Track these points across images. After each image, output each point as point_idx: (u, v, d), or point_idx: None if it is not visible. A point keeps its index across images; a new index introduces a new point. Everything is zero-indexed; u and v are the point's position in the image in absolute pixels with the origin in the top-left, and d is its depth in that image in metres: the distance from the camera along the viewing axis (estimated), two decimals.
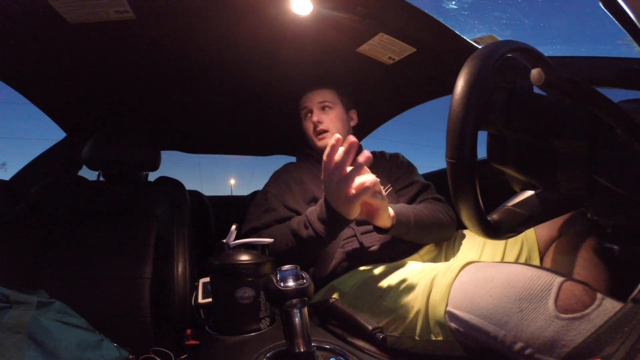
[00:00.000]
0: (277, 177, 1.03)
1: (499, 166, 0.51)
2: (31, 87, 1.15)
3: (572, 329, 0.44)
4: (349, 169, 0.64)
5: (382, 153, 1.15)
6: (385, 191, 1.02)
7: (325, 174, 0.67)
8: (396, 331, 0.65)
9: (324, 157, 0.66)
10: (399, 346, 0.65)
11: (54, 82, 1.14)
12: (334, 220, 0.71)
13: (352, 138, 0.62)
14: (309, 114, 1.02)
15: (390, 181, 1.04)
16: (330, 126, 1.00)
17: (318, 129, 0.99)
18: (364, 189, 0.64)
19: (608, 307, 0.44)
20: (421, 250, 0.90)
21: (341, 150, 0.63)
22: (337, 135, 0.64)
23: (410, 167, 1.08)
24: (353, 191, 0.65)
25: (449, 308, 0.57)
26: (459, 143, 0.41)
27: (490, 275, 0.54)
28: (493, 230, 0.46)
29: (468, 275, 0.57)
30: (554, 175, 0.49)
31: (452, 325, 0.57)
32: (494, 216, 0.48)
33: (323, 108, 1.01)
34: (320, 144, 1.00)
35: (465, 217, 0.44)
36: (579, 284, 0.47)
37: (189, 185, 1.25)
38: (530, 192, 0.50)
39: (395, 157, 1.12)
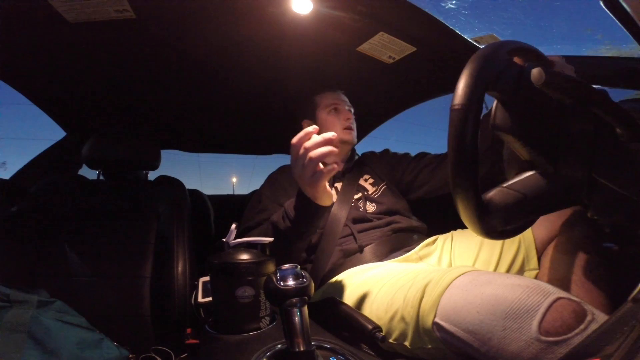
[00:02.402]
0: (272, 179, 1.05)
1: (502, 133, 0.50)
2: (31, 87, 1.15)
3: (549, 352, 0.44)
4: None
5: (372, 153, 1.20)
6: (379, 190, 1.04)
7: (293, 157, 0.68)
8: (389, 338, 0.66)
9: (294, 140, 0.67)
10: (393, 350, 0.66)
11: (54, 82, 1.14)
12: (307, 207, 0.72)
13: (334, 134, 0.66)
14: (338, 110, 1.07)
15: (383, 178, 1.07)
16: (354, 126, 1.07)
17: (348, 124, 1.06)
18: (328, 170, 0.66)
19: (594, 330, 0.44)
20: (417, 247, 0.91)
21: (321, 137, 0.66)
22: (315, 127, 0.67)
23: (401, 155, 1.15)
24: (320, 167, 0.66)
25: (436, 319, 0.57)
26: (467, 92, 0.41)
27: (480, 291, 0.53)
28: (489, 227, 0.46)
29: (459, 287, 0.57)
30: (555, 154, 0.48)
31: (440, 335, 0.57)
32: (489, 195, 0.47)
33: (349, 111, 1.09)
34: (347, 137, 1.05)
35: (462, 208, 0.44)
36: (572, 304, 0.46)
37: (189, 184, 1.25)
38: (528, 173, 0.50)
39: (385, 152, 1.18)
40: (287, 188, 0.98)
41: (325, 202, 0.73)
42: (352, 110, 1.11)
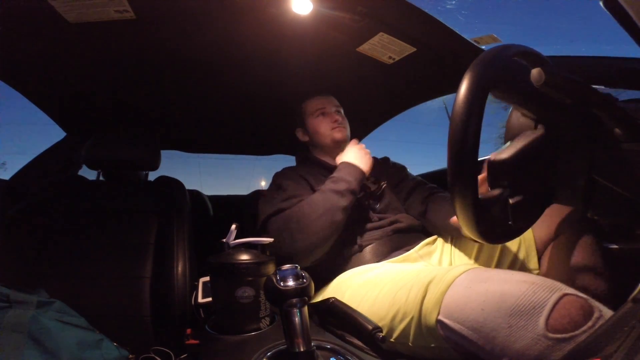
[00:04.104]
0: (283, 174, 1.04)
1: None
2: (31, 87, 1.15)
3: (557, 349, 0.43)
4: None
5: (374, 158, 1.21)
6: (380, 187, 1.06)
7: (357, 154, 1.00)
8: (391, 337, 0.66)
9: (358, 147, 1.03)
10: (394, 350, 0.66)
11: (54, 82, 1.14)
12: (356, 172, 0.95)
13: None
14: (325, 114, 1.10)
15: (384, 179, 1.08)
16: (344, 124, 1.11)
17: (337, 123, 1.09)
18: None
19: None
20: (417, 247, 0.91)
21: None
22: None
23: (400, 166, 1.20)
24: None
25: (440, 317, 0.56)
26: (463, 137, 0.41)
27: (484, 288, 0.53)
28: (486, 231, 0.46)
29: (462, 285, 0.56)
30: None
31: (443, 333, 0.57)
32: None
33: (337, 112, 1.12)
34: (338, 135, 1.08)
35: (460, 211, 0.44)
36: (579, 300, 0.45)
37: (188, 185, 1.25)
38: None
39: (385, 160, 1.21)
40: (299, 180, 1.00)
41: (366, 170, 0.98)
42: (341, 111, 1.13)
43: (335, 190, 0.89)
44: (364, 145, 1.03)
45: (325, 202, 0.87)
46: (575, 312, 0.44)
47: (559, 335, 0.44)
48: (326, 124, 1.08)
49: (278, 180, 1.01)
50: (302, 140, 1.14)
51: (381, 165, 1.17)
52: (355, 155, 0.99)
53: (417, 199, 1.04)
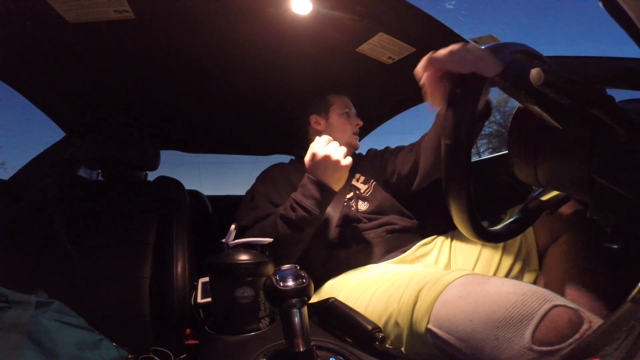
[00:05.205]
0: (264, 176, 1.04)
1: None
2: (30, 87, 1.15)
3: None
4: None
5: (359, 154, 1.23)
6: (370, 187, 1.05)
7: (324, 156, 0.82)
8: (386, 342, 0.66)
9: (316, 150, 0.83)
10: (391, 354, 0.66)
11: (54, 82, 1.14)
12: (324, 194, 0.82)
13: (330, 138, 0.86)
14: (349, 116, 1.12)
15: (372, 176, 1.09)
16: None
17: (357, 129, 1.12)
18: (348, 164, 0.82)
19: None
20: (413, 248, 0.90)
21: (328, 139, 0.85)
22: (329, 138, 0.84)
23: (381, 150, 1.19)
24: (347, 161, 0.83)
25: (430, 326, 0.56)
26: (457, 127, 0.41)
27: (474, 298, 0.53)
28: (482, 230, 0.46)
29: (452, 293, 0.56)
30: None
31: (433, 342, 0.57)
32: None
33: (357, 116, 1.15)
34: (354, 142, 1.11)
35: (455, 210, 0.44)
36: (568, 312, 0.45)
37: (188, 185, 1.24)
38: None
39: (368, 152, 1.22)
40: (279, 185, 0.98)
41: (339, 187, 0.85)
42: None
43: (286, 217, 0.82)
44: (337, 145, 0.84)
45: (270, 229, 0.84)
46: (562, 324, 0.44)
47: (544, 348, 0.43)
48: (349, 126, 1.10)
49: (257, 185, 1.02)
50: (314, 128, 1.11)
51: (368, 161, 1.15)
52: (325, 165, 0.81)
53: (404, 153, 1.05)
